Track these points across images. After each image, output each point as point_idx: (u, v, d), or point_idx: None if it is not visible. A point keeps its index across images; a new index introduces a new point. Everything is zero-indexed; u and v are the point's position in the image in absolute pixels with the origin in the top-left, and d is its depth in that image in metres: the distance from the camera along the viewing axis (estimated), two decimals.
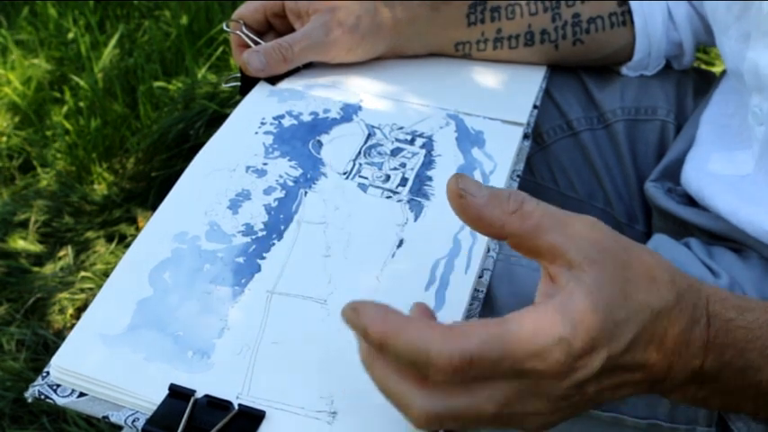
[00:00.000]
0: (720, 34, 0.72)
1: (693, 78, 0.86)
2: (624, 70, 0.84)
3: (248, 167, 0.67)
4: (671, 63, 0.85)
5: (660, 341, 0.44)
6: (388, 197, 0.65)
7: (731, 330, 0.47)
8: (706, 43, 0.84)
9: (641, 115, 0.82)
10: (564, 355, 0.41)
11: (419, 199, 0.65)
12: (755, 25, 0.65)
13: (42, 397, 0.52)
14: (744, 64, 0.67)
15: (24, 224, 1.52)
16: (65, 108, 1.70)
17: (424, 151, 0.70)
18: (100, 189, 1.57)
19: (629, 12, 0.80)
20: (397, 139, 0.71)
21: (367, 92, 0.76)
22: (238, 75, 0.78)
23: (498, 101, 0.77)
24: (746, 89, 0.68)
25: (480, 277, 0.61)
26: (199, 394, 0.51)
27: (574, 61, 0.82)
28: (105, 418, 0.51)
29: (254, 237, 0.61)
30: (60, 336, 1.29)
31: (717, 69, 1.34)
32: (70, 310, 1.35)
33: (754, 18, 0.66)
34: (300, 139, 0.70)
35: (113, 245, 1.47)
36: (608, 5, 0.80)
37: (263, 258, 0.60)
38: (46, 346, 1.30)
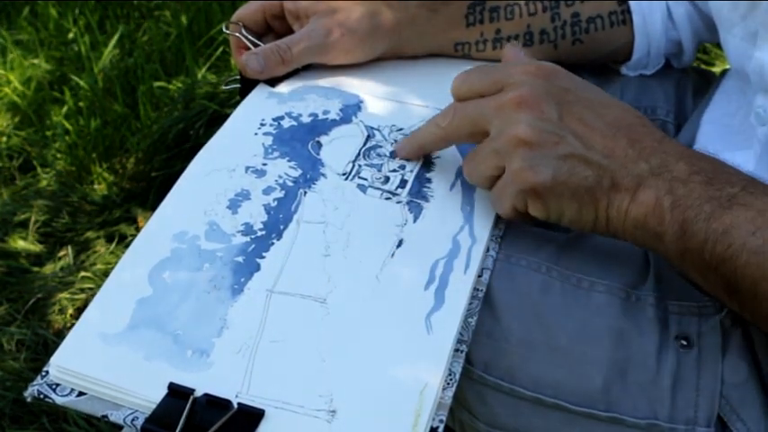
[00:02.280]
0: (725, 32, 0.72)
1: (693, 78, 0.86)
2: (624, 69, 0.84)
3: (248, 168, 0.67)
4: (671, 62, 0.86)
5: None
6: (388, 198, 0.65)
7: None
8: (707, 41, 0.84)
9: None
10: None
11: (418, 201, 0.65)
12: (762, 24, 0.65)
13: (41, 396, 0.52)
14: (750, 63, 0.67)
15: (24, 224, 1.52)
16: (65, 108, 1.70)
17: None
18: (100, 189, 1.57)
19: (629, 10, 0.80)
20: (397, 141, 0.71)
21: (366, 93, 0.76)
22: (238, 76, 0.78)
23: None
24: (751, 89, 0.68)
25: (480, 276, 0.61)
26: (198, 393, 0.51)
27: (573, 60, 0.82)
28: (104, 417, 0.52)
29: (253, 236, 0.61)
30: (60, 336, 1.29)
31: (717, 69, 1.34)
32: (70, 310, 1.35)
33: (761, 17, 0.66)
34: (300, 140, 0.70)
35: (113, 245, 1.47)
36: (607, 4, 0.80)
37: (263, 258, 0.60)
38: (46, 346, 1.31)
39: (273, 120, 0.72)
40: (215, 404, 0.51)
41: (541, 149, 0.56)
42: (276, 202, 0.64)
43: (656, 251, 0.58)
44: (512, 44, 0.68)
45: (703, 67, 1.51)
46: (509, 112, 0.58)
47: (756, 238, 0.52)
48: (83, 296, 1.37)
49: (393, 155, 0.69)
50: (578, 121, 0.58)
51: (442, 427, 0.52)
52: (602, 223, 0.58)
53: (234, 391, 0.52)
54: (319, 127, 0.72)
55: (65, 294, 1.37)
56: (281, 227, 0.62)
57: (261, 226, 0.62)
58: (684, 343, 0.61)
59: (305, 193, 0.65)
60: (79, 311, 1.33)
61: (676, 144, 0.58)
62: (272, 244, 0.61)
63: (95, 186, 1.58)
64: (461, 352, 0.56)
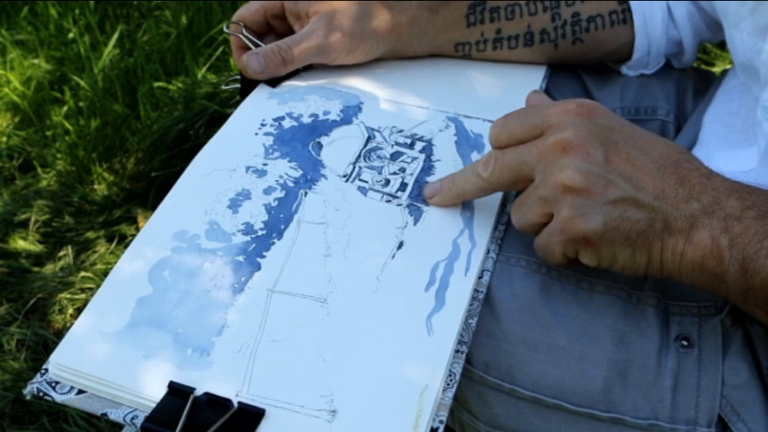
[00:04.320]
0: (731, 28, 0.72)
1: (693, 78, 0.86)
2: (624, 69, 0.84)
3: (248, 168, 0.67)
4: (671, 62, 0.86)
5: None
6: (388, 201, 0.65)
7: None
8: (709, 40, 0.84)
9: (641, 115, 0.82)
10: None
11: (418, 204, 0.65)
12: None
13: (41, 394, 0.52)
14: (760, 57, 0.67)
15: (24, 224, 1.52)
16: (65, 108, 1.70)
17: (423, 156, 0.70)
18: (100, 189, 1.57)
19: (629, 10, 0.80)
20: (397, 143, 0.71)
21: (367, 94, 0.76)
22: (238, 77, 0.78)
23: (498, 102, 0.77)
24: (758, 85, 0.68)
25: (480, 278, 0.61)
26: (198, 392, 0.51)
27: (573, 60, 0.83)
28: (104, 415, 0.51)
29: (254, 236, 0.61)
30: (60, 336, 1.29)
31: (717, 69, 1.34)
32: (70, 310, 1.35)
33: None
34: (300, 141, 0.70)
35: (113, 245, 1.47)
36: (608, 4, 0.80)
37: (263, 257, 0.60)
38: (46, 346, 1.31)
39: (274, 120, 0.72)
40: (215, 403, 0.51)
41: (590, 196, 0.54)
42: (277, 202, 0.64)
43: (717, 292, 0.56)
44: (535, 92, 0.66)
45: (703, 67, 1.51)
46: (553, 158, 0.55)
47: None
48: (83, 296, 1.37)
49: (393, 157, 0.69)
50: (626, 162, 0.55)
51: (442, 427, 0.52)
52: (657, 267, 0.56)
53: (234, 390, 0.52)
54: (320, 128, 0.72)
55: (65, 294, 1.37)
56: (282, 226, 0.62)
57: (261, 225, 0.62)
58: (685, 343, 0.61)
59: (305, 193, 0.65)
60: (79, 311, 1.33)
61: (723, 179, 0.56)
62: (273, 243, 0.61)
63: (95, 186, 1.58)
64: (462, 353, 0.56)
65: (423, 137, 0.72)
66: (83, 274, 1.40)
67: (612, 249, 0.55)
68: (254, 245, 0.61)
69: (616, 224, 0.54)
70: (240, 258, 0.60)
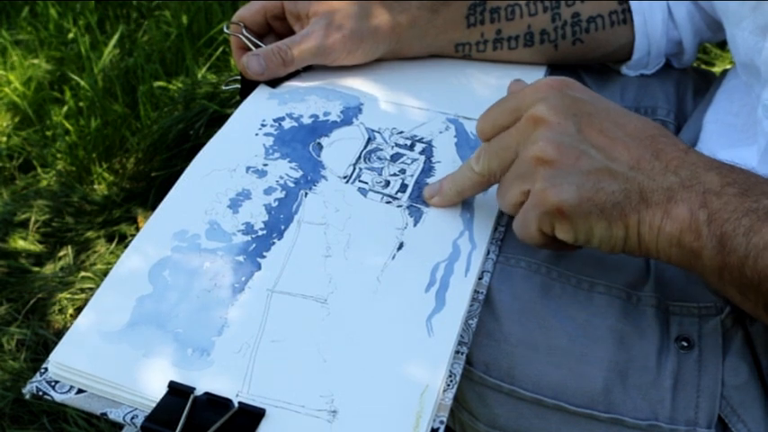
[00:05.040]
0: (732, 27, 0.72)
1: (693, 78, 0.86)
2: (624, 69, 0.84)
3: (248, 168, 0.67)
4: (671, 62, 0.86)
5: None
6: (388, 202, 0.66)
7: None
8: (709, 40, 0.84)
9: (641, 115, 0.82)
10: None
11: (418, 206, 0.65)
12: None
13: (40, 393, 0.52)
14: (761, 55, 0.67)
15: (24, 224, 1.52)
16: (65, 108, 1.70)
17: (423, 157, 0.70)
18: (100, 189, 1.57)
19: (629, 10, 0.80)
20: (397, 144, 0.71)
21: (367, 94, 0.76)
22: (238, 77, 0.78)
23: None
24: (760, 82, 0.68)
25: (480, 279, 0.61)
26: (198, 392, 0.51)
27: (573, 60, 0.83)
28: (104, 414, 0.51)
29: (254, 236, 0.61)
30: (60, 336, 1.27)
31: (717, 69, 1.34)
32: (70, 310, 1.35)
33: None
34: (300, 142, 0.70)
35: (113, 245, 1.47)
36: (608, 4, 0.80)
37: (264, 257, 0.60)
38: (46, 346, 1.31)
39: (274, 120, 0.72)
40: (215, 403, 0.51)
41: (562, 166, 0.54)
42: (277, 203, 0.64)
43: (692, 269, 0.55)
44: (515, 80, 0.66)
45: (703, 67, 1.51)
46: (527, 134, 0.56)
47: None
48: (83, 296, 1.37)
49: (393, 158, 0.69)
50: (599, 133, 0.55)
51: (442, 428, 0.52)
52: (634, 241, 0.55)
53: (234, 390, 0.52)
54: (320, 128, 0.72)
55: (65, 294, 1.37)
56: (282, 227, 0.62)
57: (262, 225, 0.62)
58: (685, 344, 0.61)
59: (306, 194, 0.65)
60: (79, 311, 1.32)
61: (702, 155, 0.55)
62: (273, 243, 0.61)
63: (95, 186, 1.58)
64: (462, 354, 0.57)
65: (423, 138, 0.72)
66: (83, 274, 1.40)
67: (588, 222, 0.54)
68: (254, 245, 0.61)
69: (590, 195, 0.53)
70: (240, 258, 0.60)
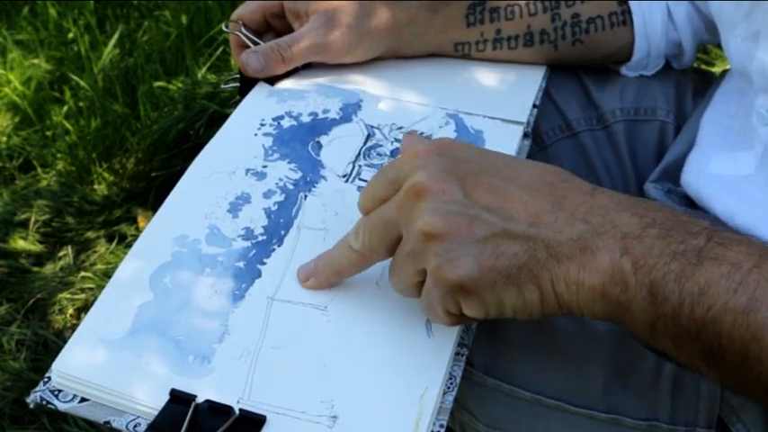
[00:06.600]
0: (726, 33, 0.72)
1: (693, 78, 0.86)
2: (623, 70, 0.84)
3: (248, 170, 0.67)
4: (670, 63, 0.85)
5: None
6: None
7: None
8: (708, 42, 0.83)
9: (640, 116, 0.82)
10: None
11: None
12: (765, 24, 0.65)
13: (44, 402, 0.52)
14: (752, 63, 0.67)
15: (24, 224, 1.52)
16: (65, 108, 1.70)
17: None
18: (100, 189, 1.57)
19: (629, 11, 0.80)
20: (397, 140, 0.71)
21: (366, 92, 0.76)
22: (237, 76, 0.78)
23: (498, 100, 0.77)
24: (753, 89, 0.68)
25: None
26: (200, 399, 0.51)
27: (572, 61, 0.82)
28: (107, 423, 0.51)
29: (254, 241, 0.61)
30: (60, 336, 1.29)
31: (717, 69, 1.34)
32: (70, 311, 1.35)
33: (762, 17, 0.65)
34: (300, 141, 0.70)
35: (113, 245, 1.47)
36: (607, 5, 0.80)
37: (264, 264, 0.60)
38: (46, 346, 1.31)
39: (273, 119, 0.72)
40: (216, 410, 0.50)
41: (455, 238, 0.48)
42: (277, 206, 0.64)
43: (620, 323, 0.50)
44: (407, 133, 0.58)
45: (703, 67, 1.51)
46: (410, 207, 0.50)
47: (740, 295, 0.45)
48: (83, 296, 1.37)
49: (393, 154, 0.69)
50: (489, 192, 0.50)
51: (442, 431, 0.52)
52: (553, 303, 0.49)
53: (235, 397, 0.52)
54: (319, 126, 0.72)
55: (65, 294, 1.37)
56: (282, 232, 0.62)
57: (261, 230, 0.62)
58: None
59: (305, 196, 0.65)
60: (79, 311, 1.33)
61: (611, 194, 0.50)
62: (273, 250, 0.61)
63: (95, 186, 1.58)
64: (462, 356, 0.56)
65: (423, 133, 0.72)
66: (83, 274, 1.40)
67: (495, 293, 0.49)
68: (254, 251, 0.61)
69: (491, 263, 0.48)
70: (240, 264, 0.60)
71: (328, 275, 0.57)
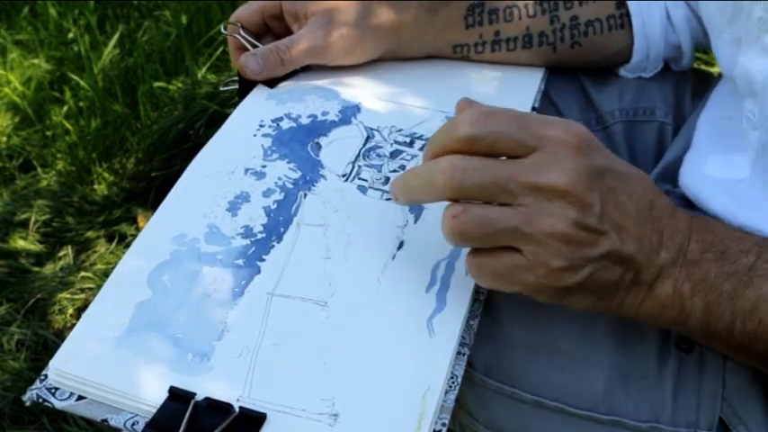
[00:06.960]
0: (715, 38, 0.72)
1: (692, 79, 0.86)
2: (622, 72, 0.84)
3: (247, 170, 0.67)
4: (669, 65, 0.85)
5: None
6: (388, 199, 0.65)
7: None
8: (705, 45, 0.84)
9: (639, 116, 0.82)
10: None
11: None
12: (745, 30, 0.65)
13: (41, 400, 0.52)
14: (735, 69, 0.67)
15: (24, 224, 1.52)
16: (65, 108, 1.70)
17: (422, 154, 0.70)
18: (100, 189, 1.57)
19: (628, 14, 0.80)
20: (396, 141, 0.71)
21: (365, 94, 0.76)
22: (236, 78, 0.78)
23: (497, 102, 0.76)
24: (740, 94, 0.68)
25: None
26: (199, 397, 0.51)
27: (571, 63, 0.82)
28: (104, 421, 0.51)
29: (253, 239, 0.61)
30: (60, 336, 1.29)
31: (716, 70, 1.34)
32: (70, 310, 1.35)
33: (743, 23, 0.65)
34: (299, 142, 0.70)
35: (113, 245, 1.47)
36: (606, 8, 0.80)
37: (263, 260, 0.60)
38: (46, 346, 1.31)
39: (272, 121, 0.72)
40: (216, 408, 0.50)
41: (584, 248, 0.50)
42: (276, 205, 0.64)
43: (678, 332, 0.56)
44: (463, 99, 0.57)
45: (703, 67, 1.51)
46: (545, 201, 0.49)
47: None
48: (83, 296, 1.37)
49: (392, 155, 0.69)
50: (616, 210, 0.51)
51: (444, 430, 0.52)
52: (614, 310, 0.54)
53: (235, 394, 0.52)
54: (318, 128, 0.72)
55: (65, 294, 1.37)
56: (281, 229, 0.62)
57: (261, 228, 0.62)
58: (685, 347, 0.61)
59: (305, 195, 0.65)
60: (79, 311, 1.33)
61: (686, 217, 0.54)
62: (273, 247, 0.61)
63: (95, 186, 1.58)
64: (463, 355, 0.56)
65: (422, 135, 0.72)
66: (83, 274, 1.41)
67: (582, 297, 0.53)
68: (253, 248, 0.61)
69: (597, 276, 0.51)
70: (240, 262, 0.60)
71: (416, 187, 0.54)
